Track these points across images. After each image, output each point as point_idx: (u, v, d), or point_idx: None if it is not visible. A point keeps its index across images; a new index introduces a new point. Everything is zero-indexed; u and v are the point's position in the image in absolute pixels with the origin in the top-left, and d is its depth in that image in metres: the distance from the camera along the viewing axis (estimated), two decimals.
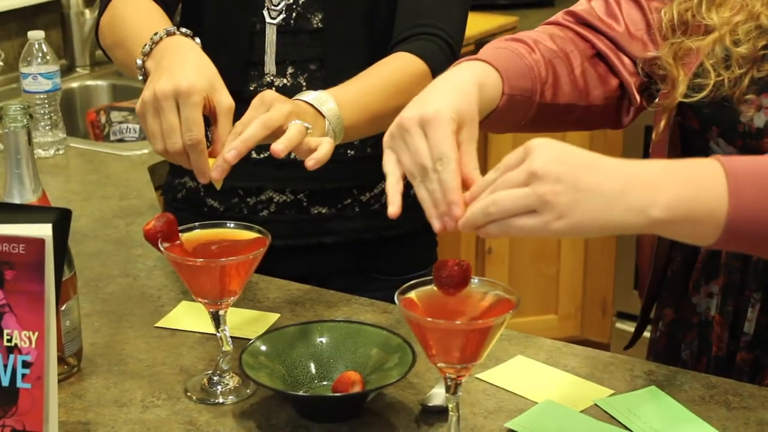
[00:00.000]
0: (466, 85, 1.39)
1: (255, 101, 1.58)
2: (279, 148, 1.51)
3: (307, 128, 1.58)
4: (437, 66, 1.82)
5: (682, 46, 1.53)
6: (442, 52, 1.85)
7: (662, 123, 1.57)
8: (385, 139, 1.35)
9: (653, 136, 1.61)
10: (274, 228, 1.70)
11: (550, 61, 1.55)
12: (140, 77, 1.71)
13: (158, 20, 1.80)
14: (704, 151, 1.56)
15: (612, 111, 1.65)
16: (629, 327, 3.64)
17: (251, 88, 1.90)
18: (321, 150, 1.56)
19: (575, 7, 1.66)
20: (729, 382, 1.55)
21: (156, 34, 1.70)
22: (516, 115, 1.53)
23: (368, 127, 1.76)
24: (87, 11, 3.14)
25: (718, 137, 1.53)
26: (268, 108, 1.57)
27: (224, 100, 1.59)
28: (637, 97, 1.62)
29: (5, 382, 1.37)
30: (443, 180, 1.27)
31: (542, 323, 3.73)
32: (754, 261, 1.53)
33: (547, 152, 1.19)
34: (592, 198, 1.17)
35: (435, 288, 1.34)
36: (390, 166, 1.35)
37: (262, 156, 1.89)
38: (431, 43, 1.85)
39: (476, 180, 1.30)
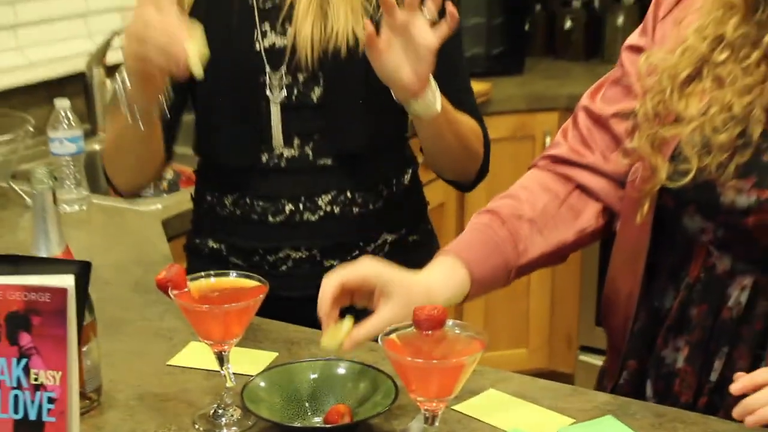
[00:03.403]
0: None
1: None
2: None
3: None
4: (485, 142, 1.96)
5: (658, 136, 1.53)
6: (485, 132, 1.97)
7: (646, 206, 1.56)
8: None
9: (637, 218, 1.58)
10: (293, 281, 1.72)
11: (523, 225, 1.62)
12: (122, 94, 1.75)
13: None
14: (676, 223, 1.56)
15: (606, 227, 1.68)
16: (592, 359, 3.66)
17: (264, 160, 1.89)
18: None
19: (551, 150, 1.70)
20: (676, 411, 1.55)
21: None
22: (497, 283, 1.64)
23: (447, 127, 1.81)
24: (108, 81, 3.15)
25: (695, 214, 1.53)
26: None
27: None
28: (619, 208, 1.65)
29: (32, 416, 1.37)
30: None
31: (514, 356, 3.73)
32: (722, 319, 1.53)
33: None
34: None
35: (414, 330, 1.35)
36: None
37: (278, 219, 1.89)
38: (481, 124, 1.96)
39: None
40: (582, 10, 4.11)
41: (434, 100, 1.73)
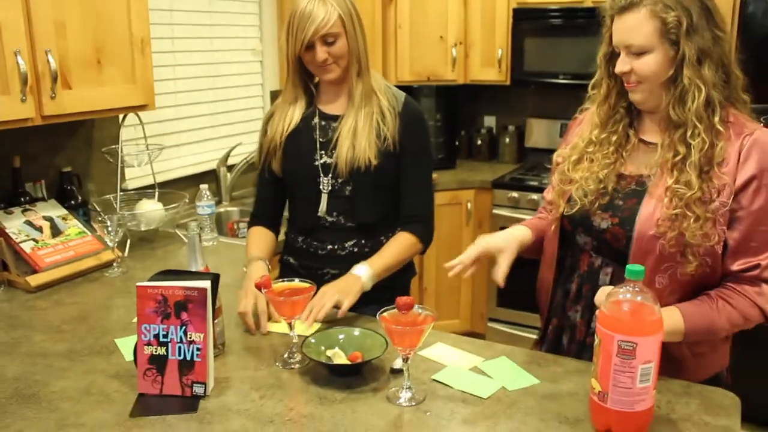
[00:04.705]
0: (515, 235, 1.60)
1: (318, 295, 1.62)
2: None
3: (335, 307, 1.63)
4: (422, 238, 1.84)
5: (562, 190, 1.56)
6: (425, 229, 1.85)
7: (553, 227, 1.59)
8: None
9: (549, 233, 1.62)
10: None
11: (542, 226, 1.68)
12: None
13: (260, 246, 1.87)
14: (573, 239, 1.57)
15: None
16: (496, 326, 3.62)
17: (317, 222, 1.86)
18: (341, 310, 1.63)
19: (537, 215, 1.75)
20: (542, 354, 1.55)
21: (250, 258, 1.81)
22: (534, 248, 1.66)
23: (387, 274, 1.78)
24: (228, 174, 3.16)
25: (582, 232, 1.54)
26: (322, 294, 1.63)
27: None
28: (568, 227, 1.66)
29: (188, 358, 1.37)
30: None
31: (451, 324, 3.70)
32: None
33: None
34: None
35: (396, 311, 1.36)
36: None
37: (323, 253, 1.86)
38: (420, 225, 1.84)
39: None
40: (486, 134, 4.12)
41: (369, 285, 1.71)
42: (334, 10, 1.70)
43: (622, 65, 1.42)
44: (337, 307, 1.64)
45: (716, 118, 1.37)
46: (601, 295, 1.34)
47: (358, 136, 1.78)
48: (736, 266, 1.38)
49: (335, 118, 1.84)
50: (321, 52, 1.73)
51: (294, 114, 1.85)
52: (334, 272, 1.86)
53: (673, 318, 1.36)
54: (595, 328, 1.52)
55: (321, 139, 1.83)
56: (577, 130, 1.62)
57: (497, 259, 1.54)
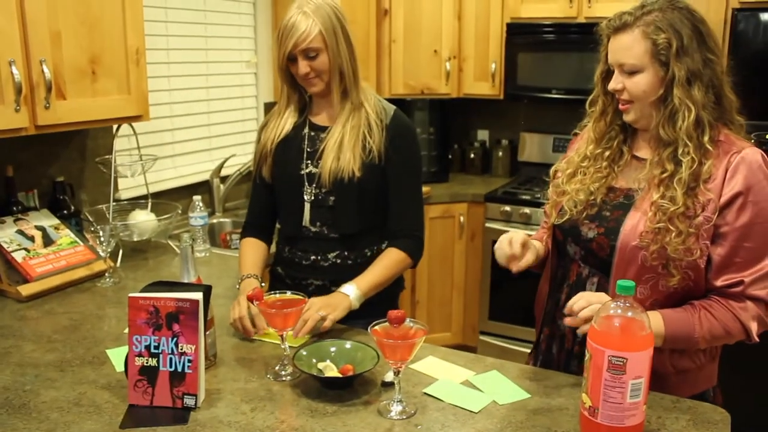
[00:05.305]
0: (535, 244, 1.60)
1: (306, 308, 1.62)
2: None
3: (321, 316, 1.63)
4: (411, 253, 1.83)
5: (556, 201, 1.59)
6: (415, 244, 1.84)
7: (545, 236, 1.63)
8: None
9: (545, 244, 1.65)
10: (313, 296, 1.70)
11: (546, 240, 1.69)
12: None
13: (252, 260, 1.87)
14: (564, 248, 1.59)
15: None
16: (486, 338, 3.63)
17: (301, 232, 1.86)
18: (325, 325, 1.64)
19: (538, 232, 1.75)
20: (532, 369, 1.56)
21: (242, 277, 1.81)
22: (542, 263, 1.67)
23: (378, 289, 1.77)
24: (221, 185, 3.15)
25: (571, 242, 1.56)
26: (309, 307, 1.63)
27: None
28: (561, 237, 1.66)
29: (179, 369, 1.37)
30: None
31: (443, 337, 3.70)
32: None
33: None
34: None
35: (388, 324, 1.36)
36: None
37: (307, 263, 1.86)
38: (410, 239, 1.83)
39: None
40: (479, 147, 4.15)
41: (357, 304, 1.71)
42: (315, 26, 1.71)
43: (615, 83, 1.46)
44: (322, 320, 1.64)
45: (705, 138, 1.40)
46: (577, 299, 1.37)
47: (344, 148, 1.78)
48: (720, 282, 1.40)
49: (324, 129, 1.85)
50: (302, 65, 1.74)
51: (286, 123, 1.88)
52: (318, 283, 1.86)
53: (654, 321, 1.38)
54: (580, 336, 1.55)
55: (308, 149, 1.85)
56: (576, 146, 1.65)
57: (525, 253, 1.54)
